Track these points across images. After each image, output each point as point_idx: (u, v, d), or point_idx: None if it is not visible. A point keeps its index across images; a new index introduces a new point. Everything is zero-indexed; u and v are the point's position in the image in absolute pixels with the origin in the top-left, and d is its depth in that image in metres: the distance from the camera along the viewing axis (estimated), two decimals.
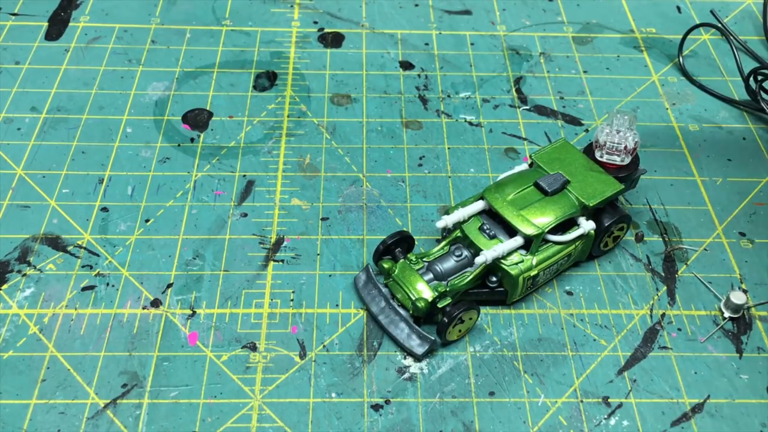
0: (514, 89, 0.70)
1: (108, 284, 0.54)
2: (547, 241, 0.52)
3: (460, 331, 0.51)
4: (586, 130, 0.67)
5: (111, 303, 0.53)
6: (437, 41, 0.75)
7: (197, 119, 0.66)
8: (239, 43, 0.73)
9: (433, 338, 0.49)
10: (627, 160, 0.55)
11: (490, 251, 0.50)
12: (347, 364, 0.50)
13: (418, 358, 0.50)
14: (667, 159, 0.65)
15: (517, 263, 0.51)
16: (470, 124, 0.67)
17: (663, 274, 0.56)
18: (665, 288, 0.55)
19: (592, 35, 0.77)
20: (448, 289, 0.50)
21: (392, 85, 0.70)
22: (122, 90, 0.68)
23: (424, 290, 0.50)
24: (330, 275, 0.55)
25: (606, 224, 0.54)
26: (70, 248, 0.56)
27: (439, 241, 0.54)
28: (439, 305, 0.50)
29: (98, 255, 0.55)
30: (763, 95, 0.67)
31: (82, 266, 0.55)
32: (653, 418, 0.48)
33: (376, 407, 0.48)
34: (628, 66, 0.73)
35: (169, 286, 0.54)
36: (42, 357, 0.49)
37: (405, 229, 0.57)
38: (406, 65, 0.72)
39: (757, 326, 0.53)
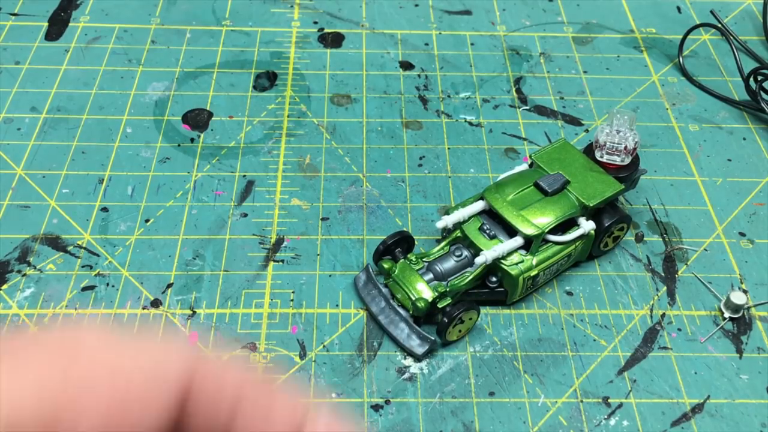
0: (514, 89, 0.70)
1: (108, 284, 0.54)
2: (547, 242, 0.52)
3: (460, 331, 0.50)
4: (586, 130, 0.67)
5: (111, 303, 0.53)
6: (437, 41, 0.75)
7: (197, 119, 0.66)
8: (239, 43, 0.73)
9: (433, 338, 0.49)
10: (627, 160, 0.55)
11: (490, 251, 0.50)
12: (347, 364, 0.50)
13: (418, 358, 0.50)
14: (667, 159, 0.65)
15: (517, 263, 0.51)
16: (470, 124, 0.67)
17: (663, 274, 0.56)
18: (665, 288, 0.55)
19: (592, 35, 0.77)
20: (448, 289, 0.50)
21: (392, 85, 0.70)
22: (122, 90, 0.68)
23: (424, 290, 0.50)
24: (330, 275, 0.55)
25: (606, 224, 0.54)
26: (70, 248, 0.56)
27: (439, 241, 0.54)
28: (439, 305, 0.50)
29: (98, 255, 0.55)
30: (763, 95, 0.67)
31: (82, 266, 0.55)
32: (653, 418, 0.48)
33: (376, 407, 0.48)
34: (628, 66, 0.73)
35: (169, 286, 0.54)
36: None
37: (405, 229, 0.57)
38: (406, 65, 0.72)
39: (757, 326, 0.53)
